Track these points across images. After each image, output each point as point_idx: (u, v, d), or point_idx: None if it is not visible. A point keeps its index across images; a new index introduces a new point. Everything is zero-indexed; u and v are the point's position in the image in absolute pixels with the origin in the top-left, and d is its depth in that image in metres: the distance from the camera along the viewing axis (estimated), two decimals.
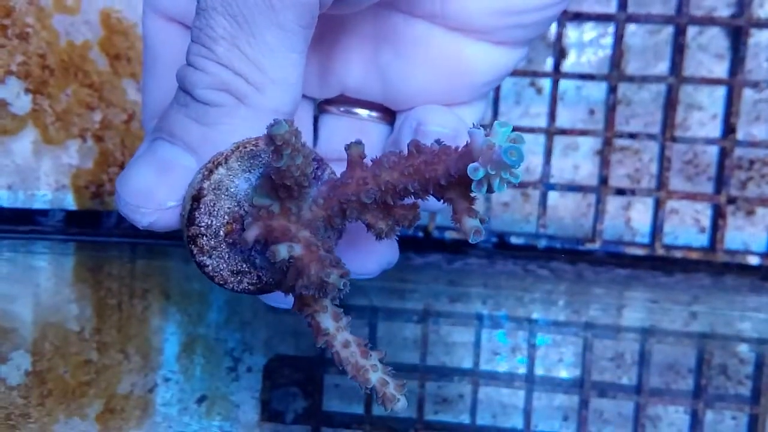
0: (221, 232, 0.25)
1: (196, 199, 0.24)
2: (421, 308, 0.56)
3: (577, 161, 0.57)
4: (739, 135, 0.55)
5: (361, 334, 0.58)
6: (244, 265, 0.25)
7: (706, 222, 0.56)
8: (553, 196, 0.57)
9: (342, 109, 0.30)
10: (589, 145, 0.57)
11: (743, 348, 0.54)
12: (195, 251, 0.25)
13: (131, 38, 0.55)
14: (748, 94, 0.55)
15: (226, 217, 0.24)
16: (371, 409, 0.50)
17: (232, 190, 0.24)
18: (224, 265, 0.25)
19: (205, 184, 0.24)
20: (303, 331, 0.53)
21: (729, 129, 0.55)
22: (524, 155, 0.20)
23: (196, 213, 0.24)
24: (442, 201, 0.22)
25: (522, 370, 0.52)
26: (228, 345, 0.51)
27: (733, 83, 0.54)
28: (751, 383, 0.51)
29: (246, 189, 0.24)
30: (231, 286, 0.25)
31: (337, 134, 0.30)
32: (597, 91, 0.56)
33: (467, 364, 0.52)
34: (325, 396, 0.51)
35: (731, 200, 0.55)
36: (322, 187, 0.24)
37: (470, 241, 0.21)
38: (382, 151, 0.29)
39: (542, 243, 0.56)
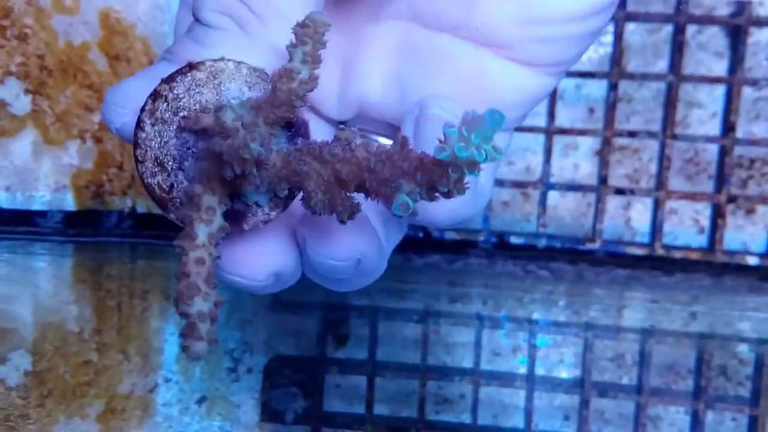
0: (183, 112, 0.23)
1: (192, 66, 0.23)
2: (421, 308, 0.56)
3: (577, 160, 0.57)
4: (739, 133, 0.55)
5: (361, 333, 0.58)
6: (171, 161, 0.23)
7: (706, 222, 0.56)
8: (553, 196, 0.57)
9: (364, 135, 0.29)
10: (588, 144, 0.57)
11: (743, 348, 0.54)
12: (146, 108, 0.23)
13: (130, 39, 0.55)
14: (747, 92, 0.55)
15: (199, 104, 0.23)
16: (372, 409, 0.50)
17: (222, 88, 0.23)
18: (155, 144, 0.23)
19: (207, 64, 0.23)
20: (303, 331, 0.53)
21: (729, 127, 0.55)
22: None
23: (178, 77, 0.23)
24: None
25: (523, 370, 0.52)
26: (228, 345, 0.51)
27: (733, 81, 0.54)
28: (751, 384, 0.51)
29: (237, 97, 0.23)
30: (144, 171, 0.23)
31: None
32: (597, 89, 0.56)
33: (468, 363, 0.52)
34: (326, 396, 0.51)
35: (731, 199, 0.55)
36: (294, 147, 0.23)
37: (394, 213, 0.21)
38: None
39: (542, 243, 0.56)
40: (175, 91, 0.23)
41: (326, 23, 0.21)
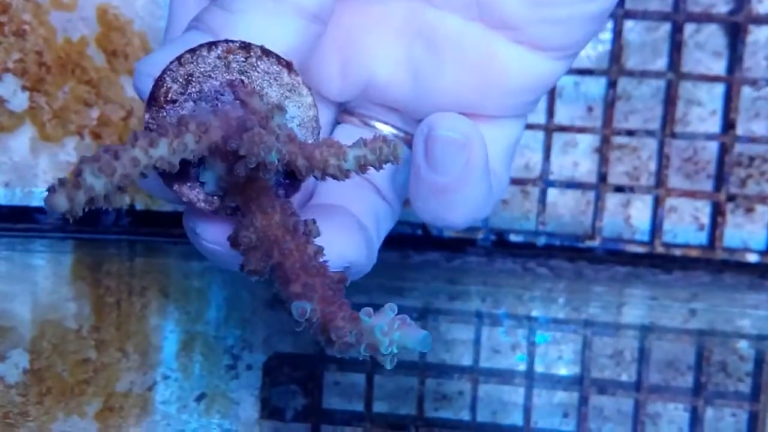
0: (245, 78, 0.23)
1: (289, 66, 0.24)
2: (420, 306, 0.55)
3: (576, 158, 0.57)
4: (739, 131, 0.55)
5: None
6: (195, 90, 0.23)
7: (705, 220, 0.56)
8: (552, 194, 0.57)
9: (363, 121, 0.29)
10: (588, 142, 0.57)
11: (743, 345, 0.54)
12: (230, 44, 0.23)
13: (128, 35, 0.55)
14: (746, 91, 0.55)
15: (259, 88, 0.23)
16: (371, 407, 0.50)
17: (284, 102, 0.24)
18: (202, 69, 0.23)
19: (299, 79, 0.24)
20: (302, 329, 0.53)
21: (728, 125, 0.55)
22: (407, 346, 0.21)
23: (273, 59, 0.23)
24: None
25: (522, 367, 0.52)
26: (227, 343, 0.51)
27: (732, 81, 0.54)
28: (751, 380, 0.51)
29: (277, 97, 0.24)
30: (174, 70, 0.23)
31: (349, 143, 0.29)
32: (596, 87, 0.56)
33: (467, 361, 0.52)
34: (325, 393, 0.50)
35: (731, 198, 0.55)
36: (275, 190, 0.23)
37: (291, 311, 0.22)
38: (390, 172, 0.28)
39: (541, 241, 0.56)
40: (258, 63, 0.23)
41: (400, 160, 0.22)
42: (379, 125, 0.29)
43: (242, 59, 0.23)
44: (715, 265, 0.54)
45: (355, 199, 0.27)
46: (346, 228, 0.26)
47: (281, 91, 0.24)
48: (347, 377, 0.51)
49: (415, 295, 0.57)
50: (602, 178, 0.56)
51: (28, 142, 0.54)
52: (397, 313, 0.21)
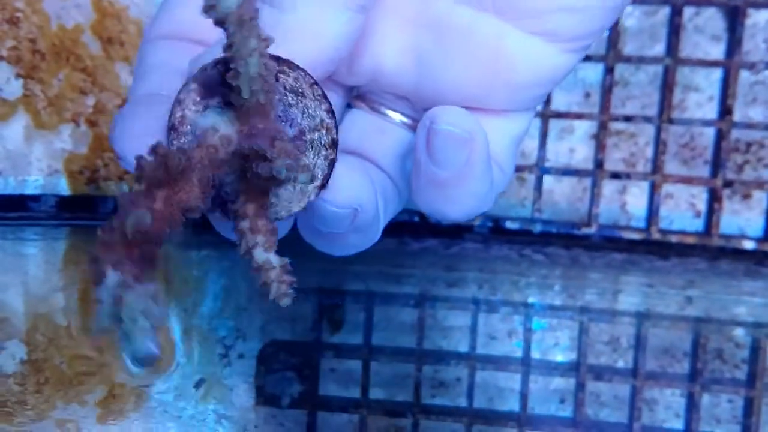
0: (299, 119, 0.24)
1: (333, 145, 0.25)
2: (417, 293, 0.55)
3: (572, 145, 0.57)
4: (736, 117, 0.54)
5: (357, 318, 0.58)
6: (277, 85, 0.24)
7: (702, 206, 0.56)
8: (548, 180, 0.56)
9: (374, 107, 0.29)
10: (584, 128, 0.56)
11: (739, 332, 0.54)
12: (317, 84, 0.24)
13: (123, 21, 0.54)
14: (744, 76, 0.55)
15: (304, 120, 0.24)
16: (368, 393, 0.50)
17: (324, 158, 0.25)
18: (276, 61, 0.24)
19: (333, 157, 0.25)
20: (299, 317, 0.53)
21: (726, 111, 0.54)
22: None
23: (332, 121, 0.24)
24: None
25: (519, 354, 0.52)
26: (223, 331, 0.51)
27: (730, 65, 0.54)
28: (747, 367, 0.52)
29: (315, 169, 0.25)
30: (181, 99, 0.24)
31: (357, 127, 0.29)
32: (593, 73, 0.56)
33: (464, 348, 0.52)
34: (322, 380, 0.51)
35: (727, 184, 0.55)
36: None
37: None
38: (399, 157, 0.28)
39: (537, 228, 0.56)
40: (316, 112, 0.24)
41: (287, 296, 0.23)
42: (389, 112, 0.29)
43: (301, 100, 0.24)
44: (711, 252, 0.54)
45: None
46: (357, 176, 0.26)
47: (316, 154, 0.25)
48: (344, 364, 0.51)
49: (412, 282, 0.57)
50: (599, 164, 0.55)
51: (22, 130, 0.54)
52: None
